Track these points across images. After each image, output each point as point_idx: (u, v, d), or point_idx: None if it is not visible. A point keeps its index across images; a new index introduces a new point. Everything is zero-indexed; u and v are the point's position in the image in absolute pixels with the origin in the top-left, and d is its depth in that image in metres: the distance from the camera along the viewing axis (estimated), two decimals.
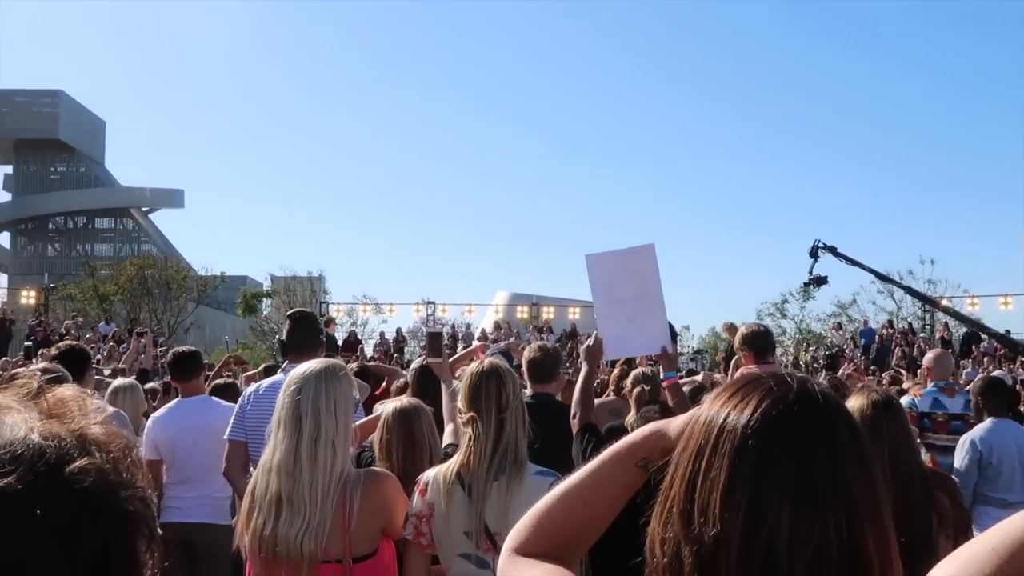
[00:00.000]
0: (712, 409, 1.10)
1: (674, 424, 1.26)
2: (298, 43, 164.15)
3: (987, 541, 0.99)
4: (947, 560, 1.02)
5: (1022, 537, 0.96)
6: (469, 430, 2.91)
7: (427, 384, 4.73)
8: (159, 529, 1.06)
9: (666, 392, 4.33)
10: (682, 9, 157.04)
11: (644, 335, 4.20)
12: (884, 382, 8.53)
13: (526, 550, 1.28)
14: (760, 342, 5.64)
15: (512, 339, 20.79)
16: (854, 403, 3.09)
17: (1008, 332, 24.96)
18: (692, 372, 10.61)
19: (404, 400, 3.49)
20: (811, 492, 1.00)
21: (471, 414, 2.91)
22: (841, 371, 10.38)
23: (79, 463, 0.95)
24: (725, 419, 1.06)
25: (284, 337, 5.02)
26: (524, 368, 5.07)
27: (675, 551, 1.05)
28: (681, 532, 1.04)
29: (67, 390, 1.06)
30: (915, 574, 2.99)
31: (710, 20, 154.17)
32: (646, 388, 4.64)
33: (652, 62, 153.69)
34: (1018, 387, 10.37)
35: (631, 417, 4.44)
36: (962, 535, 3.02)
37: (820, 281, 17.49)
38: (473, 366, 3.06)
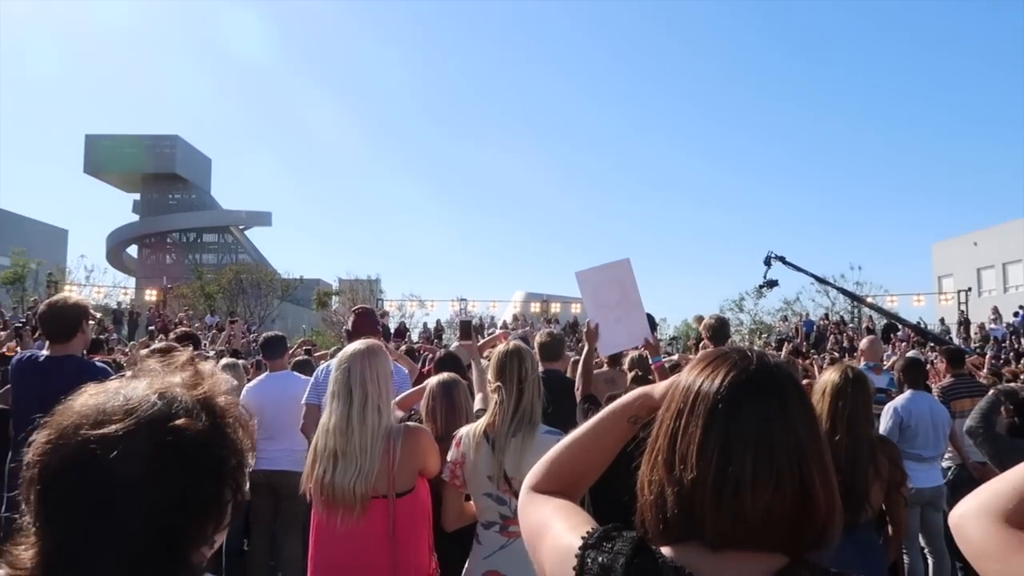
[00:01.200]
0: (689, 377, 1.09)
1: (658, 388, 1.25)
2: (357, 90, 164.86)
3: (1010, 480, 0.96)
4: (974, 494, 1.00)
5: None
6: (495, 396, 2.89)
7: (445, 367, 4.69)
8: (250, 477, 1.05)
9: (655, 373, 4.31)
10: (660, 51, 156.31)
11: (628, 332, 4.19)
12: (826, 363, 8.43)
13: (540, 488, 1.27)
14: (718, 331, 5.65)
15: (527, 328, 20.76)
16: (829, 375, 3.05)
17: (920, 322, 24.70)
18: (669, 355, 10.54)
19: (445, 375, 3.47)
20: (768, 444, 1.00)
21: (497, 383, 2.89)
22: (783, 352, 10.32)
23: (179, 422, 0.95)
24: (700, 386, 1.06)
25: (350, 327, 5.03)
26: (536, 350, 5.05)
27: (660, 490, 1.04)
28: (665, 476, 1.04)
29: (206, 365, 1.07)
30: (850, 511, 2.96)
31: (682, 63, 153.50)
32: (640, 372, 4.67)
33: (641, 109, 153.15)
34: (928, 366, 10.20)
35: None
36: (894, 489, 3.00)
37: (772, 284, 17.26)
38: (501, 346, 3.04)
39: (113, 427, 0.93)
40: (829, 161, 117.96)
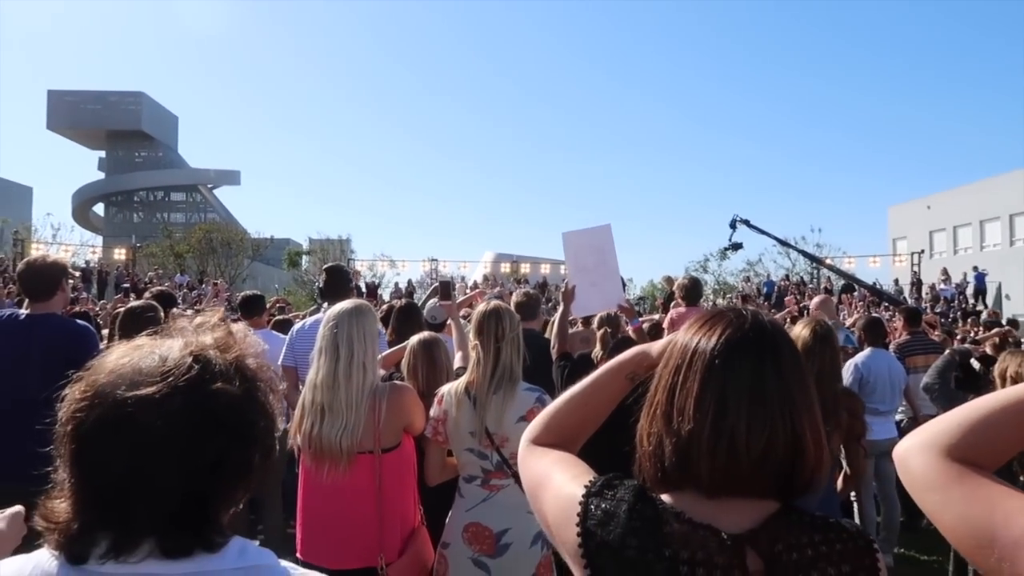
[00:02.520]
0: (687, 336, 1.12)
1: (655, 347, 1.28)
2: (329, 47, 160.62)
3: (954, 417, 0.98)
4: (918, 430, 1.02)
5: (983, 417, 0.96)
6: (475, 354, 2.91)
7: (404, 317, 4.69)
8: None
9: (633, 335, 4.34)
10: (637, 22, 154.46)
11: (603, 296, 4.23)
12: (787, 321, 8.59)
13: (540, 440, 1.30)
14: (691, 292, 5.72)
15: (500, 287, 20.80)
16: (798, 331, 3.11)
17: (875, 283, 25.29)
18: (640, 314, 10.53)
19: (426, 333, 3.48)
20: (762, 397, 1.03)
21: (476, 342, 2.91)
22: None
23: (216, 385, 0.95)
24: (697, 343, 1.09)
25: (322, 285, 4.99)
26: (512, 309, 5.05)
27: (658, 441, 1.08)
28: (663, 428, 1.07)
29: (238, 326, 1.06)
30: None
31: (653, 32, 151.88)
32: (608, 330, 4.71)
33: (608, 69, 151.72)
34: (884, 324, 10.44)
35: (597, 351, 4.49)
36: (853, 440, 3.08)
37: (737, 247, 17.45)
38: (481, 306, 3.05)
39: (149, 389, 0.92)
40: (794, 127, 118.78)
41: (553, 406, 1.33)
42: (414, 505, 2.92)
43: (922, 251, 30.43)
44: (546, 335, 5.22)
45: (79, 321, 3.65)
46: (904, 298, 23.75)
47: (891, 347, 6.52)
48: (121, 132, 78.34)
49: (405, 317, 4.68)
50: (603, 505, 1.04)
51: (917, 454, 0.98)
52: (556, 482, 1.15)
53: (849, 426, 3.10)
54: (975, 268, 26.08)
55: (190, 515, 0.94)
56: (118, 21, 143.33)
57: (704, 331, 1.10)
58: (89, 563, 0.92)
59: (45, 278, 3.44)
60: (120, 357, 0.97)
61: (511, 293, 6.32)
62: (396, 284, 30.08)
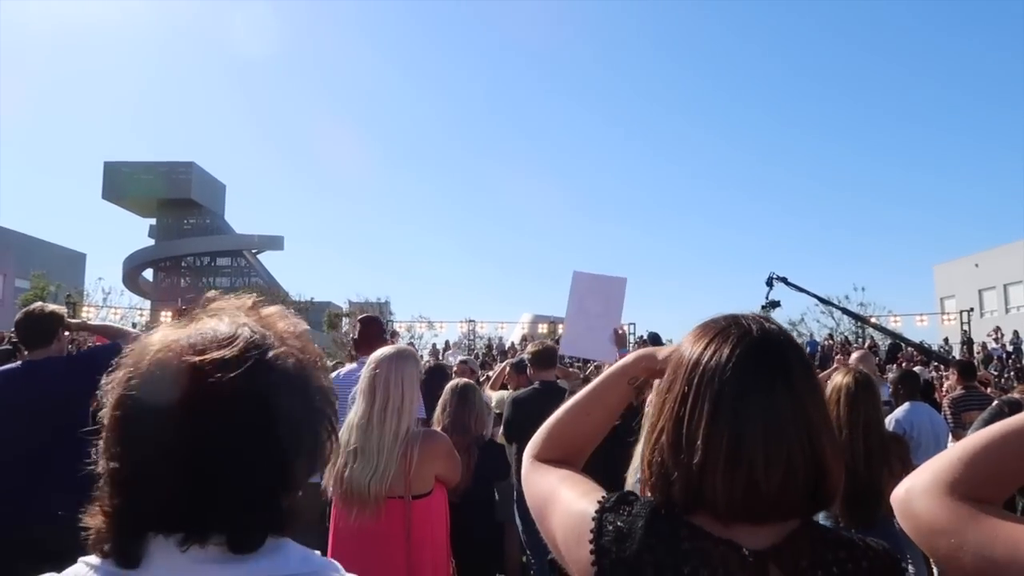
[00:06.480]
0: (692, 350, 1.05)
1: (662, 351, 1.22)
2: (370, 113, 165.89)
3: (953, 454, 0.95)
4: (918, 471, 0.97)
5: (982, 449, 0.93)
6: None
7: (433, 377, 4.74)
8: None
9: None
10: (658, 84, 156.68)
11: (595, 345, 4.13)
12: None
13: (543, 456, 1.24)
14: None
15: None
16: (839, 379, 3.06)
17: (923, 342, 24.58)
18: None
19: (460, 380, 3.58)
20: (777, 422, 0.97)
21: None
22: None
23: (280, 350, 0.90)
24: (704, 365, 1.01)
25: (356, 336, 5.17)
26: (528, 360, 5.04)
27: (662, 471, 1.01)
28: (670, 458, 1.00)
29: (273, 308, 1.01)
30: (868, 508, 2.96)
31: (675, 90, 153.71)
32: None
33: (648, 127, 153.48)
34: (934, 382, 10.17)
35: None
36: None
37: (774, 305, 17.28)
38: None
39: (222, 351, 0.84)
40: (832, 183, 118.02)
41: (554, 417, 1.27)
42: (446, 557, 2.89)
43: (971, 309, 29.56)
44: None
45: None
46: (953, 357, 23.03)
47: (945, 402, 6.33)
48: (172, 201, 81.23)
49: (433, 377, 4.81)
50: (618, 522, 1.00)
51: (920, 496, 0.93)
52: (565, 499, 1.10)
53: (902, 474, 3.00)
54: None
55: (266, 498, 0.84)
56: (171, 93, 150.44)
57: (711, 350, 1.03)
58: (141, 568, 0.81)
59: (41, 326, 3.41)
60: (168, 335, 0.88)
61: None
62: (434, 345, 30.14)
